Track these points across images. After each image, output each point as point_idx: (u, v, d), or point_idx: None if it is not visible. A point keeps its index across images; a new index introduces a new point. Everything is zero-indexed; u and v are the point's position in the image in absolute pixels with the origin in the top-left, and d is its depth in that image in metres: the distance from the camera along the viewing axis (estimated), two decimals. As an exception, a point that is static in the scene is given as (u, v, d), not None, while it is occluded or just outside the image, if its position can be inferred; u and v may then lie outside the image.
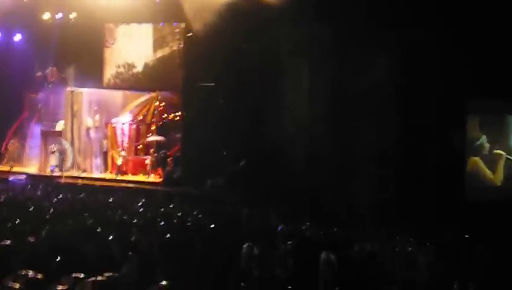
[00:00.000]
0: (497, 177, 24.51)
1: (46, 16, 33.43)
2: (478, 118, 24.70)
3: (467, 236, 18.47)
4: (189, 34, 29.96)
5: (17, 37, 35.27)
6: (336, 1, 24.84)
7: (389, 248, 16.35)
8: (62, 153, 32.26)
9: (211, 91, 28.72)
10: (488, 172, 24.51)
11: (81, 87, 32.93)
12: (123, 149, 32.58)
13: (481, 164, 24.57)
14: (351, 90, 25.18)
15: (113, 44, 34.34)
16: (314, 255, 14.35)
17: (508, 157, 24.31)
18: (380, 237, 17.53)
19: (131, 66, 34.13)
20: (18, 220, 15.87)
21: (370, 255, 15.58)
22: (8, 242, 9.15)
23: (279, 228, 17.24)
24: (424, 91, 24.26)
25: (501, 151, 24.41)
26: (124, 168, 32.13)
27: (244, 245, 14.01)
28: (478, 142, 24.59)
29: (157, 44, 33.62)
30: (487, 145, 24.53)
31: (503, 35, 23.09)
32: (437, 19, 23.53)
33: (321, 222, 19.39)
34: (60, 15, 33.27)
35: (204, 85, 29.00)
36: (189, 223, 17.94)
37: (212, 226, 17.67)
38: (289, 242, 15.52)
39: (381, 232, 18.69)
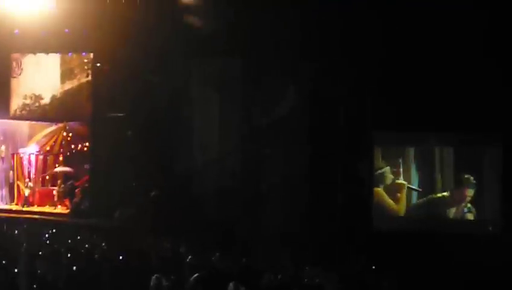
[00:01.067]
0: (400, 207, 24.93)
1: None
2: (380, 149, 25.13)
3: (373, 267, 18.72)
4: (98, 65, 29.77)
5: None
6: (246, 34, 25.02)
7: (298, 278, 16.45)
8: (-33, 184, 31.65)
9: (119, 122, 28.55)
10: (391, 202, 24.91)
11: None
12: (30, 180, 32.04)
13: (384, 194, 24.96)
14: (261, 121, 25.42)
15: (20, 74, 33.84)
16: (223, 286, 14.37)
17: (410, 186, 24.77)
18: (289, 267, 17.62)
19: (38, 97, 33.65)
20: None
21: (279, 286, 15.66)
22: None
23: (188, 258, 17.22)
24: (332, 121, 24.62)
25: (403, 181, 24.84)
26: (31, 200, 31.59)
27: (153, 277, 13.94)
28: (381, 172, 24.99)
29: (66, 74, 33.29)
30: (390, 175, 24.94)
31: (407, 69, 23.60)
32: (344, 51, 23.94)
33: (231, 252, 19.43)
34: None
35: (113, 116, 28.81)
36: (96, 255, 17.73)
37: (120, 258, 17.52)
38: (198, 273, 15.51)
39: (290, 262, 18.78)
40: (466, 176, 24.39)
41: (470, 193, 24.42)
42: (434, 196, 24.71)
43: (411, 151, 25.03)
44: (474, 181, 24.28)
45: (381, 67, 23.67)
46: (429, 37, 23.36)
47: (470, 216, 24.55)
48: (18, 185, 32.16)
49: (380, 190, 24.95)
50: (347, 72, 23.99)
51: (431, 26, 23.17)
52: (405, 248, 22.31)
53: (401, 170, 24.91)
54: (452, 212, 24.66)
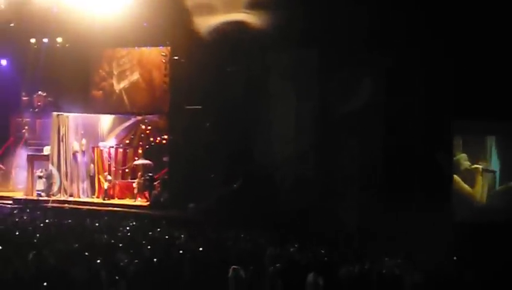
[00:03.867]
0: (476, 191, 24.62)
1: (33, 40, 33.48)
2: (460, 138, 24.84)
3: (455, 258, 18.47)
4: (176, 58, 29.99)
5: (3, 62, 35.31)
6: (322, 25, 24.92)
7: (377, 269, 16.35)
8: (49, 178, 32.19)
9: (197, 114, 28.74)
10: (467, 188, 24.60)
11: (67, 111, 32.83)
12: (109, 173, 32.49)
13: (460, 181, 24.66)
14: (337, 112, 25.30)
15: (100, 68, 34.43)
16: (302, 278, 14.37)
17: (485, 168, 24.46)
18: (368, 258, 17.51)
19: (118, 91, 34.26)
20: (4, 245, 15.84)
21: (358, 277, 15.60)
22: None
23: (267, 250, 17.27)
24: (409, 112, 24.37)
25: (478, 165, 24.54)
26: (111, 192, 32.01)
27: (231, 268, 14.02)
28: (456, 158, 24.71)
29: (144, 67, 33.71)
30: (466, 162, 24.65)
31: (484, 60, 23.24)
32: (421, 41, 23.67)
33: (309, 244, 19.40)
34: (46, 40, 33.31)
35: (191, 108, 29.02)
36: (176, 247, 17.90)
37: (200, 249, 17.66)
38: (277, 265, 15.54)
39: (369, 253, 18.66)
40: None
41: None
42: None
43: (491, 140, 24.65)
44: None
45: (459, 56, 23.32)
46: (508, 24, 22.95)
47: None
48: (99, 178, 32.61)
49: (455, 177, 24.64)
50: (427, 62, 23.70)
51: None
52: (487, 239, 21.94)
53: (481, 157, 24.59)
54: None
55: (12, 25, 31.98)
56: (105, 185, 31.98)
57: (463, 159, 24.69)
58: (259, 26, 26.07)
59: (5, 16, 30.78)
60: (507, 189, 24.63)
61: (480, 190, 24.60)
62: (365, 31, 24.32)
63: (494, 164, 24.60)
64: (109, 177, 32.20)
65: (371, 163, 24.88)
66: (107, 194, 31.73)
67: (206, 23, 27.19)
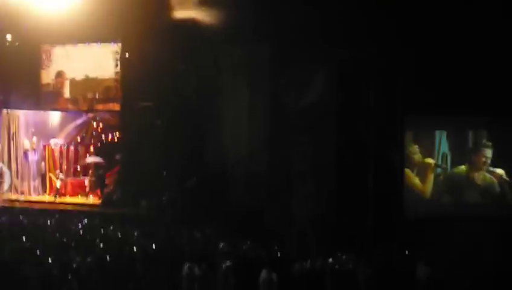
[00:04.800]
0: (426, 187, 24.83)
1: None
2: (412, 133, 25.03)
3: (406, 252, 18.69)
4: (127, 55, 29.87)
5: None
6: (273, 20, 24.99)
7: (330, 265, 16.47)
8: (-1, 176, 31.91)
9: (149, 112, 28.66)
10: (418, 183, 24.79)
11: (18, 108, 32.51)
12: (61, 171, 32.26)
13: (412, 175, 24.85)
14: (289, 107, 25.37)
15: (49, 66, 34.09)
16: (255, 274, 14.45)
17: (437, 164, 24.66)
18: (320, 254, 17.63)
19: (68, 88, 33.94)
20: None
21: (310, 273, 15.72)
22: None
23: (219, 247, 17.31)
24: (361, 107, 24.54)
25: (431, 160, 24.71)
26: (63, 190, 31.78)
27: (185, 266, 14.04)
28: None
29: (95, 65, 33.48)
30: (419, 154, 24.83)
31: (438, 54, 23.47)
32: (374, 35, 23.81)
33: (262, 240, 19.47)
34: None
35: (143, 105, 28.93)
36: (129, 245, 17.87)
37: (153, 247, 17.65)
38: (229, 261, 15.59)
39: (321, 249, 18.80)
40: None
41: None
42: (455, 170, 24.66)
43: (442, 133, 24.89)
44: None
45: (410, 51, 23.53)
46: (461, 17, 23.17)
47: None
48: (50, 176, 32.37)
49: (407, 170, 24.83)
50: (379, 58, 23.87)
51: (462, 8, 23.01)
52: (436, 233, 22.21)
53: (431, 150, 24.83)
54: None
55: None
56: (58, 184, 31.73)
57: (415, 151, 24.87)
58: (210, 22, 26.06)
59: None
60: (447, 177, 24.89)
61: (430, 187, 24.81)
62: (317, 25, 24.40)
63: (445, 159, 24.84)
64: (61, 176, 31.97)
65: (323, 157, 24.97)
66: (59, 193, 31.48)
67: (157, 20, 27.11)
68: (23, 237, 18.22)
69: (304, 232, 22.59)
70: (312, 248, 19.36)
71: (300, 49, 24.95)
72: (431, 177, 24.73)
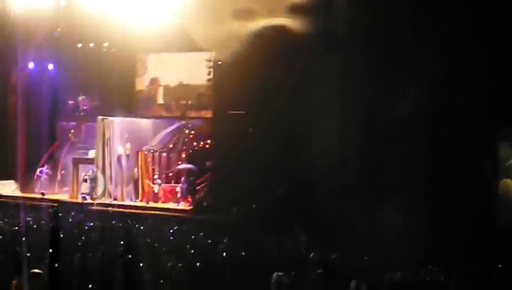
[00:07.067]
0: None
1: (79, 45, 33.91)
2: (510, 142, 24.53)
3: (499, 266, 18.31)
4: (219, 63, 30.10)
5: (50, 67, 35.81)
6: (369, 30, 24.88)
7: (421, 277, 16.29)
8: (93, 181, 32.50)
9: (240, 119, 28.81)
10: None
11: (112, 115, 33.14)
12: (159, 177, 32.65)
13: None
14: (382, 119, 25.21)
15: (144, 73, 34.75)
16: (345, 285, 14.37)
17: None
18: (410, 266, 17.44)
19: (161, 95, 34.54)
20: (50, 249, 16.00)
21: (401, 284, 15.56)
22: (38, 270, 9.26)
23: (310, 256, 17.27)
24: (454, 119, 24.23)
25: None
26: (158, 196, 32.19)
27: (274, 274, 14.06)
28: (509, 163, 24.37)
29: (188, 73, 33.91)
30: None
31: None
32: (466, 49, 23.52)
33: (351, 250, 19.36)
34: (92, 44, 33.71)
35: (234, 113, 29.11)
36: (219, 252, 17.99)
37: (242, 254, 17.72)
38: (319, 271, 15.54)
39: (412, 261, 18.58)
40: None
41: None
42: None
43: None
44: None
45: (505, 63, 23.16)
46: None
47: None
48: (143, 182, 32.83)
49: (508, 181, 24.29)
50: (473, 70, 23.54)
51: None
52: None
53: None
54: None
55: (59, 30, 32.52)
56: (156, 189, 32.17)
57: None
58: (303, 31, 26.05)
59: (52, 22, 31.31)
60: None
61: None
62: (411, 36, 24.23)
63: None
64: (159, 181, 32.38)
65: (416, 168, 24.72)
66: (156, 198, 31.91)
67: (249, 28, 27.27)
68: (116, 242, 18.52)
69: (395, 243, 22.35)
70: (402, 259, 19.10)
71: (394, 60, 24.78)
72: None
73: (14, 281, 8.69)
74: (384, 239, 22.64)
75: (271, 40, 26.83)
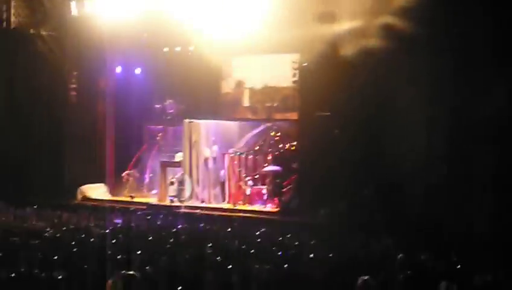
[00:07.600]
0: None
1: (166, 49, 34.32)
2: None
3: None
4: (305, 64, 30.06)
5: (137, 71, 36.37)
6: (453, 30, 24.58)
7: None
8: (181, 184, 32.83)
9: (326, 121, 28.72)
10: None
11: (199, 118, 33.44)
12: (240, 179, 32.78)
13: None
14: (470, 118, 24.84)
15: (229, 76, 34.98)
16: (434, 286, 14.16)
17: None
18: (502, 267, 17.10)
19: (247, 97, 34.70)
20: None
21: (492, 286, 15.27)
22: (132, 272, 9.35)
23: (398, 257, 17.09)
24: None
25: None
26: (241, 198, 32.33)
27: (360, 278, 13.94)
28: None
29: (273, 75, 33.96)
30: None
31: None
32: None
33: (440, 251, 19.10)
34: (178, 48, 34.06)
35: (320, 115, 29.03)
36: (306, 253, 17.97)
37: (330, 255, 17.66)
38: (408, 272, 15.37)
39: (503, 261, 18.22)
40: None
41: None
42: None
43: None
44: None
45: None
46: None
47: None
48: (230, 184, 33.01)
49: None
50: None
51: None
52: None
53: None
54: None
55: (145, 35, 33.01)
56: (248, 191, 32.33)
57: None
58: (390, 32, 25.82)
59: (138, 27, 31.79)
60: None
61: None
62: (501, 37, 23.84)
63: None
64: (250, 183, 32.52)
65: (506, 170, 24.29)
66: (248, 200, 32.07)
67: (334, 30, 27.18)
68: (204, 244, 18.66)
69: (486, 243, 21.95)
70: (493, 260, 18.74)
71: (482, 60, 24.40)
72: None
73: (109, 281, 8.84)
74: (474, 239, 22.29)
75: (356, 42, 26.68)
